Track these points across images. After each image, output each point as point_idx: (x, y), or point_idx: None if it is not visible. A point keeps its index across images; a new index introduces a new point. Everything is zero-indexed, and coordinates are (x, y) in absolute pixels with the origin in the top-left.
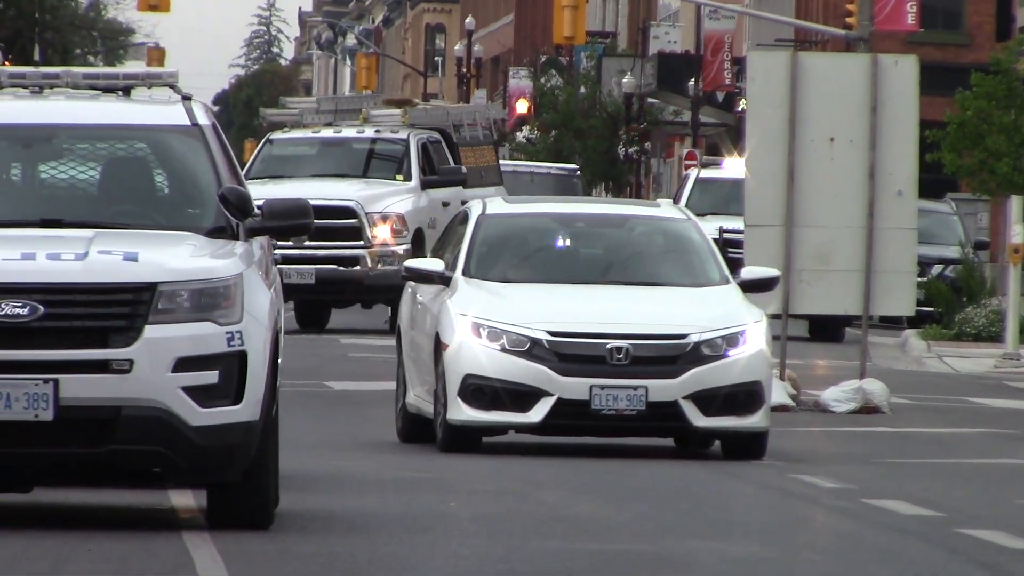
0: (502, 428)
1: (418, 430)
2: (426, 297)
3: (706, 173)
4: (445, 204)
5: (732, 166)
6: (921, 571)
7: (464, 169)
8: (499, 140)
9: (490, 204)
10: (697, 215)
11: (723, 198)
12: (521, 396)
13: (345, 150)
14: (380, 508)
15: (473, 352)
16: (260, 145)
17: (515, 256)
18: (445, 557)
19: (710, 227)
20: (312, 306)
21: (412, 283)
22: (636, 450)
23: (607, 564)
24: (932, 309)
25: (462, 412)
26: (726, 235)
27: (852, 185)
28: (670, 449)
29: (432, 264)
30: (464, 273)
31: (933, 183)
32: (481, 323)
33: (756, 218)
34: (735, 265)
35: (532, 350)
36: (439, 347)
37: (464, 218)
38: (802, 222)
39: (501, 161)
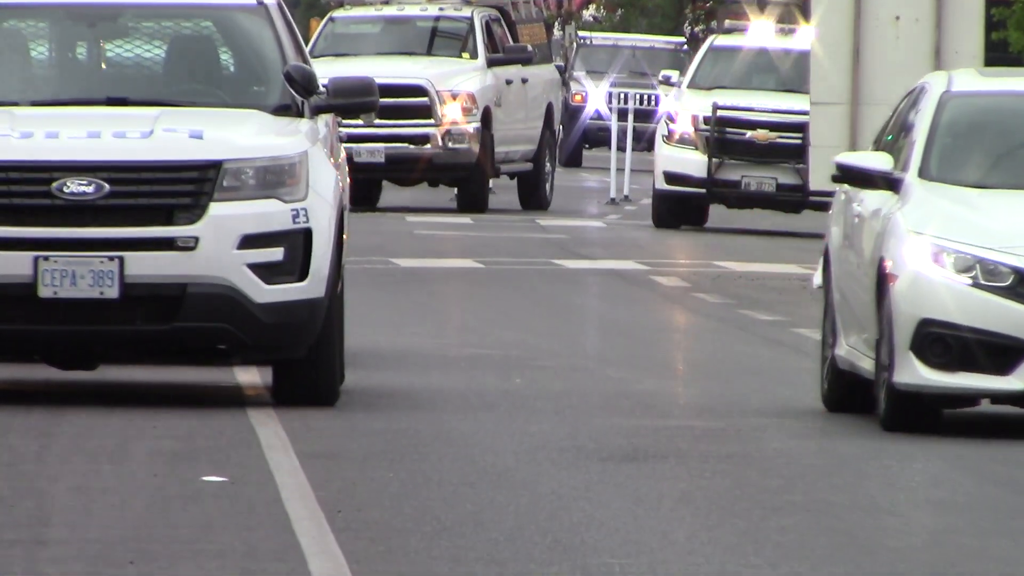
0: (971, 396)
1: (850, 393)
2: (866, 207)
3: (723, 41)
4: (508, 82)
5: (757, 32)
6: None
7: (529, 47)
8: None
9: (958, 78)
10: (705, 89)
11: (742, 71)
12: (1000, 352)
13: (409, 28)
14: (445, 385)
15: (932, 287)
16: (322, 23)
17: (993, 151)
18: (511, 434)
19: (704, 103)
20: (362, 184)
21: (846, 187)
22: (704, 327)
23: (672, 439)
24: None
25: (915, 373)
26: (722, 112)
27: (917, 64)
28: (736, 326)
29: (874, 160)
30: (920, 174)
31: (998, 62)
32: (945, 246)
33: (822, 96)
34: (732, 147)
35: (1018, 287)
36: (884, 280)
37: (918, 97)
38: (867, 100)
39: (598, 35)
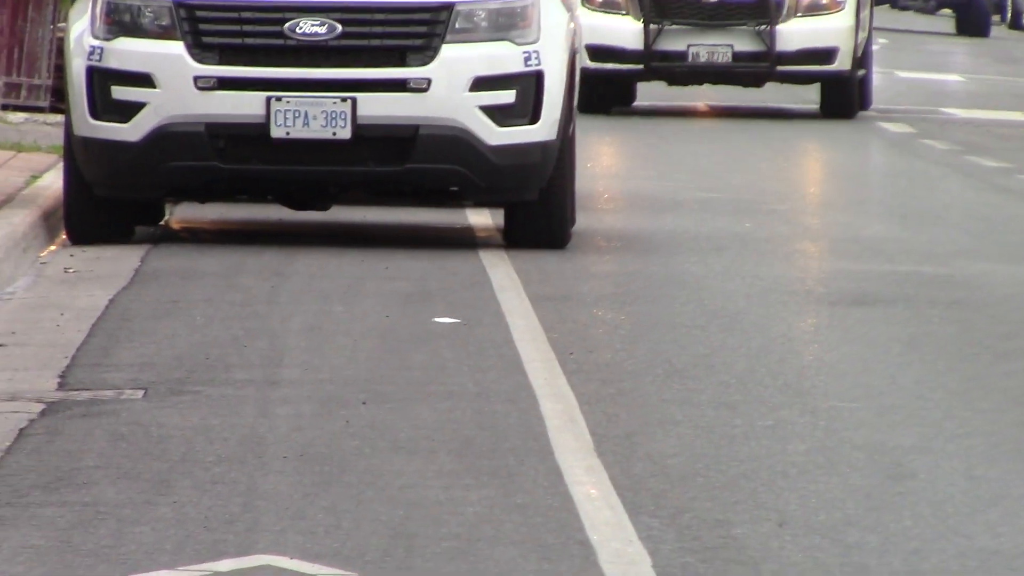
0: None
1: None
2: None
3: None
4: None
5: None
6: None
7: None
8: None
9: None
10: None
11: None
12: None
13: None
14: (676, 228)
15: None
16: None
17: None
18: (741, 277)
19: None
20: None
21: None
22: (930, 173)
23: (898, 284)
24: None
25: None
26: None
27: None
28: (962, 172)
29: None
30: None
31: None
32: None
33: None
34: (674, 9)
35: None
36: None
37: None
38: None
39: None
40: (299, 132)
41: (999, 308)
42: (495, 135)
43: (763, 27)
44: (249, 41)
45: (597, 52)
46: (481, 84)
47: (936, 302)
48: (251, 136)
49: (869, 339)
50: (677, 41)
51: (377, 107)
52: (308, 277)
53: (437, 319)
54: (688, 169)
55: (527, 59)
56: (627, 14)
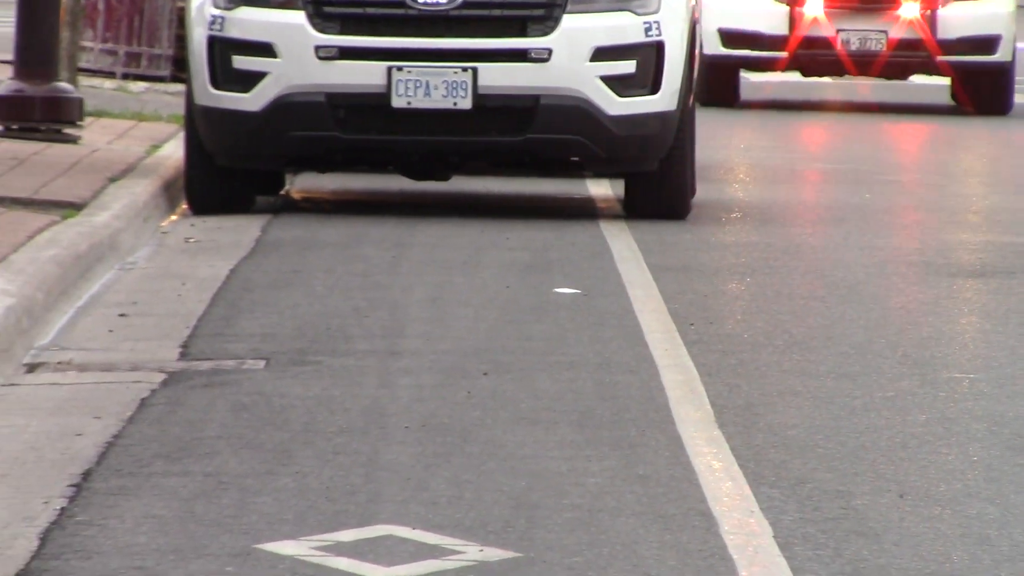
0: None
1: None
2: None
3: None
4: None
5: None
6: None
7: None
8: None
9: None
10: None
11: None
12: None
13: None
14: (795, 199)
15: None
16: None
17: None
18: (860, 248)
19: None
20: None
21: None
22: None
23: (1017, 255)
24: None
25: None
26: None
27: None
28: None
29: None
30: None
31: None
32: None
33: None
34: None
35: None
36: None
37: None
38: None
39: None
40: (420, 102)
41: None
42: (615, 105)
43: (925, 11)
44: (370, 11)
45: (731, 37)
46: (602, 54)
47: None
48: (372, 106)
49: (988, 310)
50: (824, 26)
51: (498, 77)
52: (428, 247)
53: (557, 289)
54: (806, 140)
55: (647, 29)
56: None
